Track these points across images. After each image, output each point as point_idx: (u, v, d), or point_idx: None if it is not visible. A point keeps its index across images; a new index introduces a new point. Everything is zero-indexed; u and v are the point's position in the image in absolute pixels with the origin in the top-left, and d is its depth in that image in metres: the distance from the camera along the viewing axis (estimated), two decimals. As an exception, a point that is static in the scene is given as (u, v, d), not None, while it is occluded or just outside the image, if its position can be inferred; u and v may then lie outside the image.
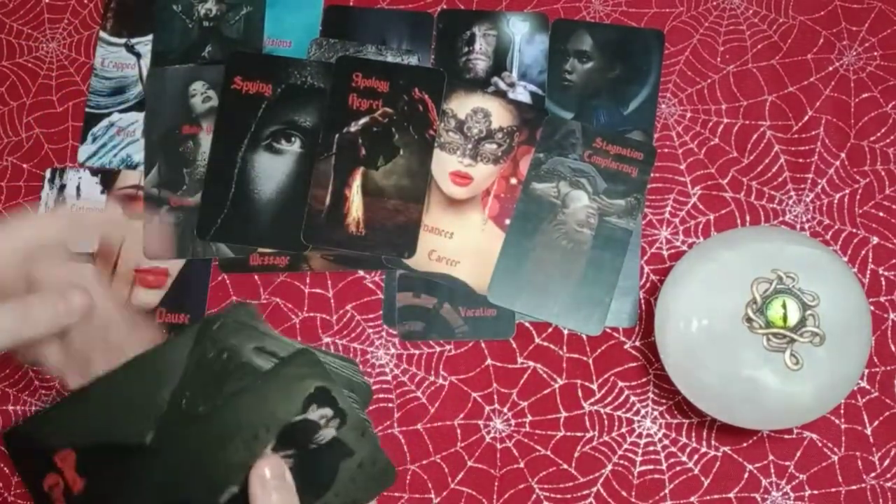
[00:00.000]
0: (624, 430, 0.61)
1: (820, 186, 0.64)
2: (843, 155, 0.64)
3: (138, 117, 0.68)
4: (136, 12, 0.70)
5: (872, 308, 0.61)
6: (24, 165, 0.68)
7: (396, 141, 0.65)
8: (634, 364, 0.62)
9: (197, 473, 0.39)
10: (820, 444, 0.60)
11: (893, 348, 0.61)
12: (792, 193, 0.64)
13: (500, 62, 0.67)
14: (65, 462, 0.39)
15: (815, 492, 0.59)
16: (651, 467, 0.60)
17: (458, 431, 0.61)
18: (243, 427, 0.39)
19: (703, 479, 0.60)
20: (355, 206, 0.64)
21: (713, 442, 0.60)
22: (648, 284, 0.63)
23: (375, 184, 0.64)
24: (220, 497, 0.39)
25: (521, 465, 0.61)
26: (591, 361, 0.62)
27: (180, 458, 0.39)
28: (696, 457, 0.60)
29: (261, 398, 0.39)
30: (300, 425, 0.39)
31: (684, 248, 0.64)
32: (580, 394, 0.62)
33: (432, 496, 0.60)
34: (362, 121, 0.65)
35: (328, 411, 0.39)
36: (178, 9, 0.69)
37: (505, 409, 0.62)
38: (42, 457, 0.39)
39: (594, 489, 0.60)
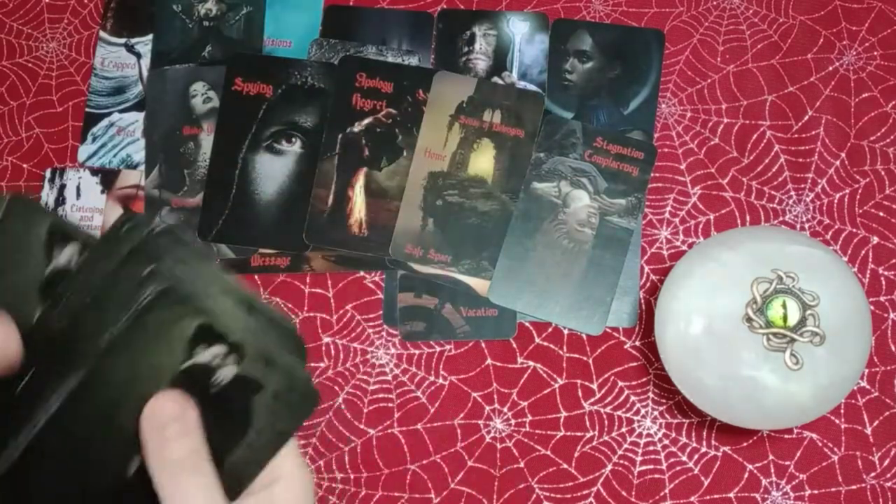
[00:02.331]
0: (624, 429, 0.61)
1: (820, 186, 0.64)
2: (843, 155, 0.65)
3: (138, 117, 0.68)
4: (136, 12, 0.70)
5: (872, 308, 0.61)
6: (24, 165, 0.68)
7: (400, 142, 0.65)
8: (634, 364, 0.62)
9: (97, 451, 0.33)
10: (820, 444, 0.60)
11: (893, 348, 0.61)
12: (792, 193, 0.64)
13: (500, 62, 0.67)
14: None
15: (815, 491, 0.59)
16: (651, 467, 0.60)
17: (459, 431, 0.62)
18: (127, 391, 0.33)
19: (703, 478, 0.60)
20: (358, 206, 0.64)
21: (713, 442, 0.60)
22: (648, 284, 0.63)
23: (378, 184, 0.64)
24: (127, 472, 0.33)
25: (522, 464, 0.61)
26: (591, 361, 0.62)
27: (78, 439, 0.33)
28: (696, 456, 0.60)
29: (136, 354, 0.33)
30: (191, 371, 0.33)
31: (684, 247, 0.64)
32: (580, 394, 0.62)
33: (432, 496, 0.61)
34: (366, 121, 0.65)
35: (220, 349, 0.33)
36: (177, 9, 0.69)
37: (505, 409, 0.62)
38: None
39: (594, 489, 0.60)
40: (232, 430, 0.34)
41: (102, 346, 0.32)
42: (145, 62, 0.69)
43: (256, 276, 0.65)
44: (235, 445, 0.34)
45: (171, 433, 0.32)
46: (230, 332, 0.33)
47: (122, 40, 0.70)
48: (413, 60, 0.67)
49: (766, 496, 0.59)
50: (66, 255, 0.33)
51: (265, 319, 0.35)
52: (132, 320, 0.32)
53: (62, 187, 0.67)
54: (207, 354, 0.33)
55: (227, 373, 0.34)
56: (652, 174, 0.64)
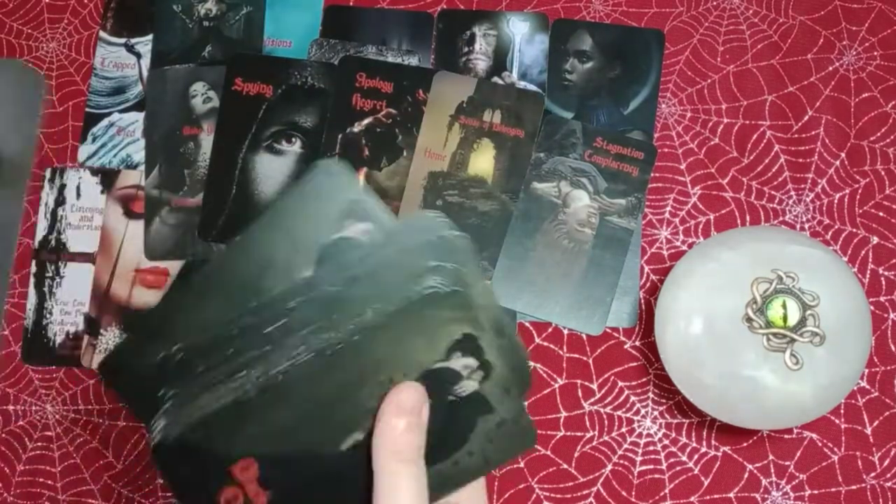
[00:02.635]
0: (624, 429, 0.61)
1: (820, 186, 0.64)
2: (843, 155, 0.65)
3: (138, 117, 0.68)
4: (135, 12, 0.70)
5: (872, 308, 0.61)
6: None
7: (400, 142, 0.65)
8: (634, 364, 0.62)
9: (323, 417, 0.35)
10: (820, 444, 0.60)
11: (893, 348, 0.61)
12: (792, 193, 0.64)
13: (500, 62, 0.67)
14: None
15: (815, 492, 0.59)
16: (651, 467, 0.60)
17: (459, 431, 0.61)
18: (379, 369, 0.35)
19: (703, 478, 0.60)
20: (356, 207, 0.64)
21: (713, 442, 0.60)
22: (648, 284, 0.63)
23: (378, 185, 0.64)
24: (343, 444, 0.35)
25: (521, 464, 0.61)
26: (591, 361, 0.62)
27: (308, 399, 0.35)
28: (696, 457, 0.60)
29: (401, 339, 0.35)
30: (440, 373, 0.35)
31: (684, 247, 0.64)
32: (580, 394, 0.62)
33: (433, 496, 0.61)
34: (366, 121, 0.65)
35: (472, 361, 0.35)
36: (177, 9, 0.69)
37: (505, 409, 0.62)
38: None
39: (594, 489, 0.60)
40: (450, 442, 0.36)
41: (369, 317, 0.34)
42: (145, 62, 0.69)
43: (256, 276, 0.65)
44: (445, 456, 0.36)
45: (406, 424, 0.34)
46: (488, 349, 0.35)
47: (122, 40, 0.70)
48: (413, 60, 0.67)
49: (766, 496, 0.59)
50: (360, 230, 0.35)
51: (509, 346, 0.36)
52: (411, 306, 0.34)
53: (62, 187, 0.67)
54: (461, 363, 0.35)
55: (468, 386, 0.35)
56: (652, 174, 0.64)
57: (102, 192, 0.66)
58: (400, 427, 0.34)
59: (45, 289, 0.65)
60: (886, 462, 0.60)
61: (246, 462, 0.36)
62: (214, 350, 0.35)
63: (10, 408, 0.64)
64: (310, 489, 0.36)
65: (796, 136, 0.65)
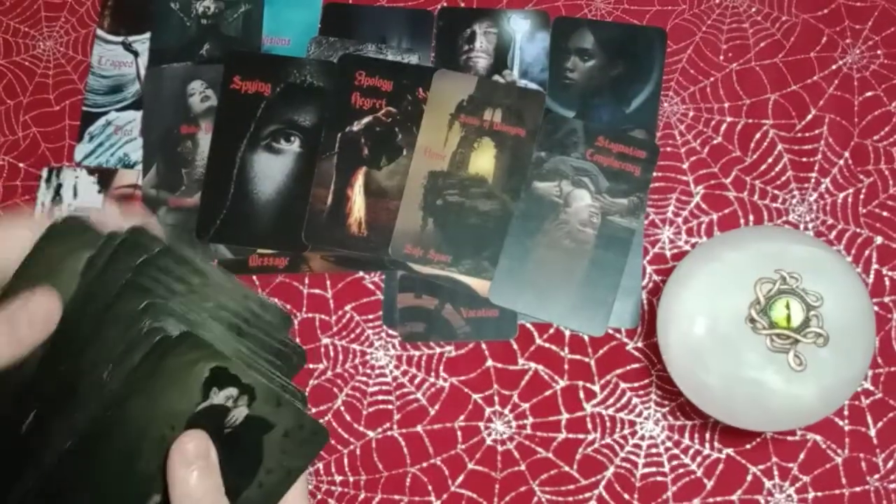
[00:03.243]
0: (626, 431, 0.61)
1: (824, 186, 0.64)
2: (846, 154, 0.64)
3: (136, 116, 0.67)
4: (133, 10, 0.69)
5: (877, 308, 0.61)
6: (21, 164, 0.68)
7: (399, 141, 0.64)
8: (637, 365, 0.62)
9: (115, 495, 0.34)
10: (823, 446, 0.59)
11: (897, 349, 0.61)
12: (795, 193, 0.64)
13: (500, 60, 0.66)
14: None
15: (819, 494, 0.59)
16: (653, 469, 0.60)
17: (459, 433, 0.61)
18: (146, 434, 0.34)
19: (705, 481, 0.59)
20: (357, 206, 0.63)
21: (716, 444, 0.60)
22: (651, 285, 0.63)
23: (378, 184, 0.64)
24: None
25: (523, 467, 0.60)
26: (592, 363, 0.62)
27: (99, 482, 0.34)
28: (698, 459, 0.60)
29: (153, 397, 0.33)
30: (206, 413, 0.35)
31: (687, 247, 0.63)
32: (582, 395, 0.61)
33: (432, 499, 0.60)
34: (365, 120, 0.65)
35: (232, 391, 0.35)
36: (175, 6, 0.69)
37: (506, 411, 0.61)
38: None
39: (596, 492, 0.60)
40: (244, 468, 0.36)
41: (113, 386, 0.33)
42: (143, 60, 0.68)
43: (255, 277, 0.64)
44: (248, 483, 0.36)
45: (197, 472, 0.34)
46: (241, 372, 0.34)
47: (120, 38, 0.69)
48: (413, 59, 0.66)
49: (769, 498, 0.59)
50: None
51: (256, 341, 0.36)
52: (146, 363, 0.33)
53: (59, 187, 0.66)
54: (222, 396, 0.34)
55: (239, 413, 0.35)
56: (654, 173, 0.64)
57: (100, 191, 0.66)
58: (192, 477, 0.34)
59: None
60: (890, 464, 0.59)
61: None
62: None
63: (7, 409, 0.64)
64: None
65: (800, 134, 0.65)
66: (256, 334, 0.36)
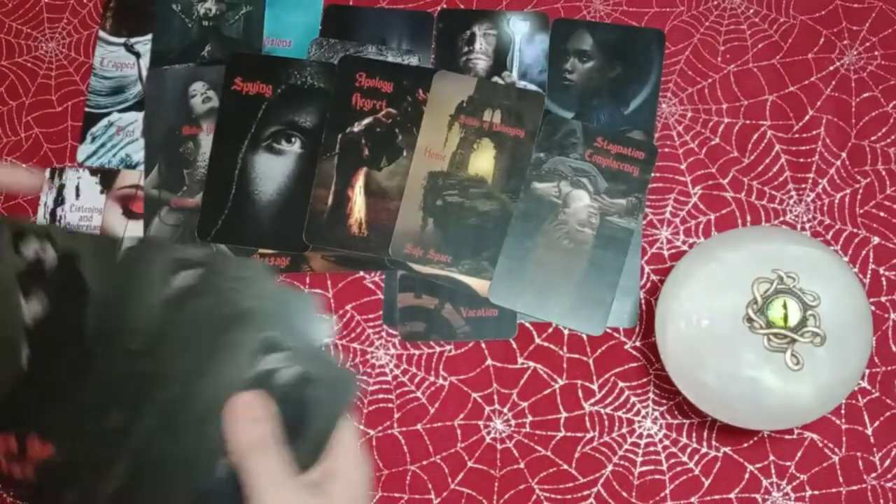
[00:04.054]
0: (624, 430, 0.61)
1: (821, 186, 0.64)
2: (843, 155, 0.64)
3: (137, 117, 0.68)
4: (135, 12, 0.70)
5: (873, 308, 0.61)
6: (23, 165, 0.68)
7: (400, 142, 0.65)
8: (635, 364, 0.62)
9: (196, 460, 0.40)
10: (821, 445, 0.60)
11: (894, 348, 0.61)
12: (793, 193, 0.64)
13: (500, 62, 0.67)
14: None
15: (816, 492, 0.59)
16: (651, 468, 0.60)
17: (459, 432, 0.61)
18: (212, 406, 0.39)
19: (703, 479, 0.60)
20: (358, 206, 0.64)
21: (714, 442, 0.60)
22: (649, 284, 0.63)
23: (378, 184, 0.64)
24: (218, 471, 0.40)
25: (522, 465, 0.61)
26: (591, 362, 0.62)
27: (177, 451, 0.40)
28: (696, 457, 0.60)
29: (218, 372, 0.40)
30: (259, 379, 0.40)
31: (685, 248, 0.64)
32: (580, 394, 0.62)
33: (432, 497, 0.60)
34: (366, 121, 0.65)
35: (279, 355, 0.40)
36: (177, 8, 0.69)
37: (505, 410, 0.62)
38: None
39: (594, 490, 0.60)
40: (296, 425, 0.40)
41: (183, 370, 0.40)
42: (144, 62, 0.69)
43: (256, 277, 0.64)
44: (299, 436, 0.40)
45: (247, 421, 0.39)
46: (286, 337, 0.40)
47: (122, 40, 0.69)
48: (413, 60, 0.67)
49: (766, 497, 0.59)
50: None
51: (297, 324, 0.41)
52: (209, 340, 0.40)
53: (61, 187, 0.67)
54: (271, 361, 0.40)
55: (289, 373, 0.40)
56: (652, 174, 0.64)
57: (102, 192, 0.66)
58: (239, 424, 0.39)
59: None
60: (887, 462, 0.59)
61: None
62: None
63: (10, 408, 0.64)
64: None
65: (797, 135, 0.65)
66: (297, 317, 0.42)
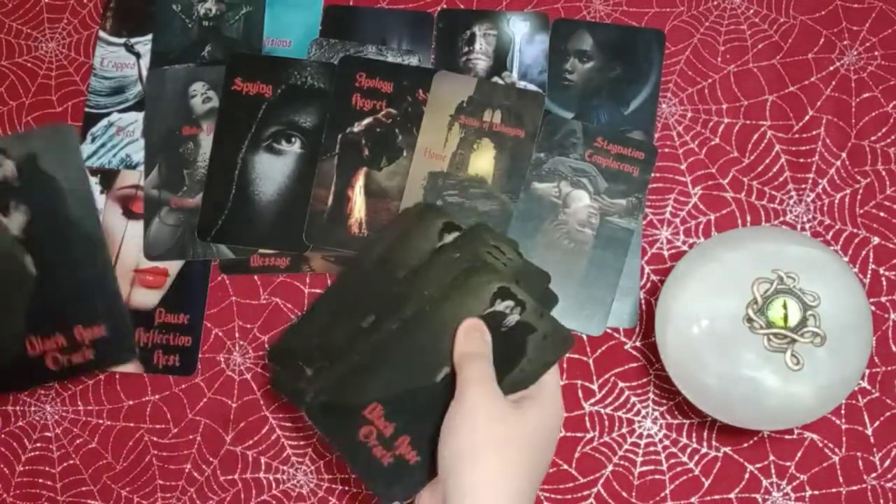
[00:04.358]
0: (624, 430, 0.61)
1: (821, 186, 0.64)
2: (843, 155, 0.64)
3: (138, 117, 0.68)
4: (135, 12, 0.70)
5: (873, 308, 0.61)
6: (24, 165, 0.68)
7: (400, 142, 0.65)
8: (635, 364, 0.62)
9: (422, 362, 0.53)
10: (821, 445, 0.60)
11: (894, 348, 0.61)
12: (793, 193, 0.64)
13: (500, 62, 0.67)
14: (373, 413, 0.52)
15: (816, 492, 0.59)
16: (651, 468, 0.60)
17: (459, 432, 0.61)
18: (447, 324, 0.52)
19: (703, 479, 0.60)
20: (358, 206, 0.64)
21: (714, 442, 0.60)
22: (649, 285, 0.63)
23: (378, 185, 0.64)
24: (437, 377, 0.52)
25: (522, 465, 0.61)
26: (591, 362, 0.62)
27: (408, 352, 0.53)
28: (696, 457, 0.60)
29: (459, 302, 0.53)
30: (491, 316, 0.53)
31: (685, 248, 0.64)
32: (580, 394, 0.62)
33: (433, 497, 0.60)
34: (366, 121, 0.65)
35: (510, 302, 0.53)
36: (177, 8, 0.69)
37: (506, 410, 0.61)
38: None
39: (594, 490, 0.60)
40: (512, 358, 0.52)
41: (435, 294, 0.54)
42: (145, 62, 0.69)
43: (256, 277, 0.65)
44: (514, 367, 0.52)
45: (472, 336, 0.52)
46: (518, 292, 0.53)
47: (122, 40, 0.70)
48: (413, 60, 0.67)
49: (766, 497, 0.59)
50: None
51: (534, 282, 0.56)
52: (459, 278, 0.54)
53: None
54: (503, 305, 0.53)
55: (512, 319, 0.53)
56: (652, 174, 0.64)
57: (102, 192, 0.66)
58: (468, 338, 0.52)
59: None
60: (887, 462, 0.59)
61: (372, 406, 0.52)
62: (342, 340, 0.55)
63: (10, 408, 0.64)
64: (420, 415, 0.51)
65: (797, 136, 0.65)
66: (536, 279, 0.56)
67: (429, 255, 0.56)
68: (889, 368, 0.61)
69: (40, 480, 0.63)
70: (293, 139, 0.65)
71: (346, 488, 0.61)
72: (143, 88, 0.68)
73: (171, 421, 0.63)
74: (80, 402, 0.64)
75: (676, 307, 0.55)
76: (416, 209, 0.60)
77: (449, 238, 0.56)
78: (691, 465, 0.60)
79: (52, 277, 0.55)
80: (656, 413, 0.61)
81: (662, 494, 0.60)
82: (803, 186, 0.64)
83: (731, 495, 0.60)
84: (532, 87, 0.66)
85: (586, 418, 0.61)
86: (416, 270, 0.55)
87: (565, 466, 0.60)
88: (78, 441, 0.63)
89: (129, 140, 0.67)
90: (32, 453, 0.64)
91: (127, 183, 0.66)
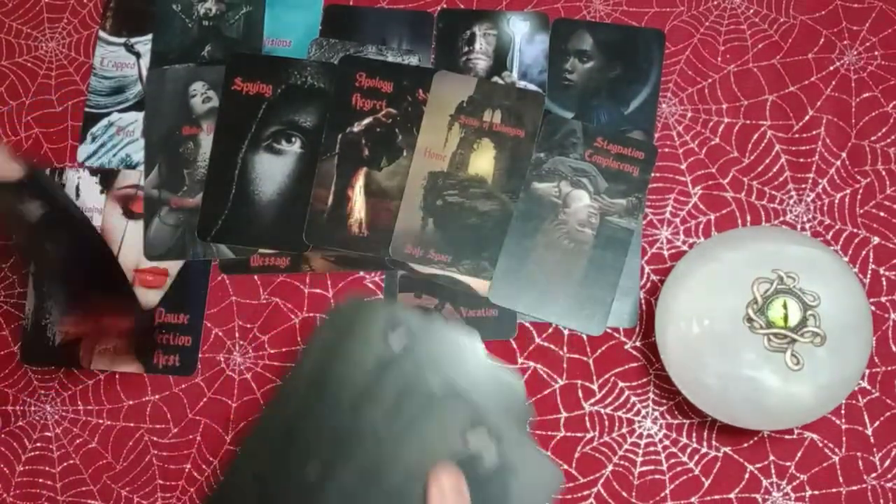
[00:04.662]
0: (624, 430, 0.61)
1: (821, 186, 0.64)
2: (843, 155, 0.64)
3: (137, 117, 0.68)
4: (135, 12, 0.70)
5: (873, 308, 0.61)
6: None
7: (400, 142, 0.65)
8: (635, 364, 0.62)
9: None
10: (821, 445, 0.60)
11: (894, 348, 0.61)
12: (793, 193, 0.64)
13: (500, 62, 0.67)
14: None
15: (816, 492, 0.59)
16: (651, 468, 0.60)
17: (459, 432, 0.61)
18: (413, 471, 0.41)
19: (703, 479, 0.60)
20: (358, 206, 0.64)
21: (714, 442, 0.60)
22: (649, 284, 0.63)
23: (378, 184, 0.64)
24: None
25: (522, 465, 0.61)
26: (591, 362, 0.62)
27: None
28: (696, 457, 0.60)
29: (419, 440, 0.42)
30: (465, 462, 0.41)
31: (685, 248, 0.64)
32: (581, 394, 0.62)
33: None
34: (366, 121, 0.65)
35: (483, 429, 0.42)
36: (177, 8, 0.69)
37: (506, 410, 0.62)
38: None
39: (594, 490, 0.60)
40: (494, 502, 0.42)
41: (387, 433, 0.41)
42: (145, 62, 0.69)
43: (256, 277, 0.65)
44: None
45: (452, 493, 0.40)
46: (491, 418, 0.41)
47: (122, 40, 0.70)
48: (413, 60, 0.67)
49: (766, 497, 0.59)
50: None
51: (507, 407, 0.43)
52: (419, 413, 0.42)
53: (61, 187, 0.67)
54: (476, 443, 0.41)
55: (490, 459, 0.41)
56: (652, 174, 0.64)
57: (102, 191, 0.66)
58: (450, 497, 0.40)
59: (45, 289, 0.65)
60: (887, 462, 0.59)
61: None
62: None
63: (10, 408, 0.64)
64: None
65: (797, 135, 0.65)
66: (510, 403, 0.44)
67: (375, 369, 0.43)
68: (889, 368, 0.61)
69: (40, 480, 0.63)
70: (293, 139, 0.65)
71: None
72: (143, 88, 0.68)
73: (171, 421, 0.63)
74: (80, 402, 0.64)
75: (676, 307, 0.55)
76: (350, 305, 0.45)
77: (395, 339, 0.43)
78: (691, 464, 0.60)
79: None
80: (656, 413, 0.61)
81: (662, 494, 0.60)
82: (803, 186, 0.64)
83: (731, 495, 0.60)
84: (532, 86, 0.66)
85: (586, 418, 0.61)
86: (363, 393, 0.43)
87: (565, 466, 0.60)
88: (78, 441, 0.63)
89: (129, 140, 0.67)
90: (32, 453, 0.64)
91: (127, 183, 0.66)
